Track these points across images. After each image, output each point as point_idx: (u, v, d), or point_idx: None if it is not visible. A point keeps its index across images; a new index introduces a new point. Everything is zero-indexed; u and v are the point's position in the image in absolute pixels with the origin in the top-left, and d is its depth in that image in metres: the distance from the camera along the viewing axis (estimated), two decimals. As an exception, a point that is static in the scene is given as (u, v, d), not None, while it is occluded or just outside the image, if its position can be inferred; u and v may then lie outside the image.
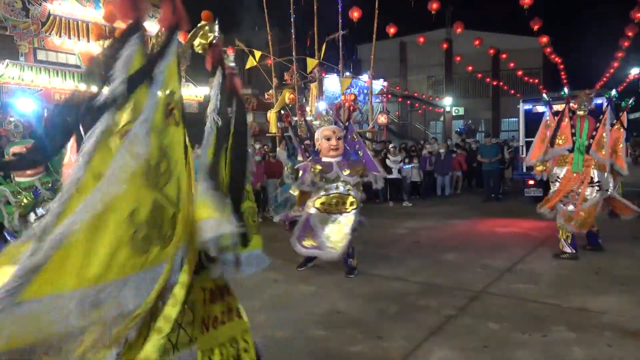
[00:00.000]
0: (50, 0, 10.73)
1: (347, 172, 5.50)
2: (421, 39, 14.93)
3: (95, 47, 11.72)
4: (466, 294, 4.83)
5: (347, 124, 6.07)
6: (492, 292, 4.89)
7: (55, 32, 11.03)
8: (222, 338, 1.75)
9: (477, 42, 14.23)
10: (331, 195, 5.46)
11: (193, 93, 13.75)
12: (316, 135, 5.79)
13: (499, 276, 5.44)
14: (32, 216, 4.09)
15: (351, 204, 5.46)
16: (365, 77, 16.90)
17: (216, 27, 1.83)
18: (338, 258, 5.40)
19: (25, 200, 4.13)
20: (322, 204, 5.45)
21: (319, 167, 5.48)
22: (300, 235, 5.42)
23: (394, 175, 11.73)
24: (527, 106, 10.77)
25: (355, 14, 11.94)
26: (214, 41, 1.83)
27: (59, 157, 3.58)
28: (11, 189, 4.17)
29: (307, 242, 5.36)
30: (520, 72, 20.93)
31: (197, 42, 1.89)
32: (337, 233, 5.29)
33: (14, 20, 10.32)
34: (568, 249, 5.98)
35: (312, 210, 5.45)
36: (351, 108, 6.40)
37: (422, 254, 6.71)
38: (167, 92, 1.41)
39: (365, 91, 16.63)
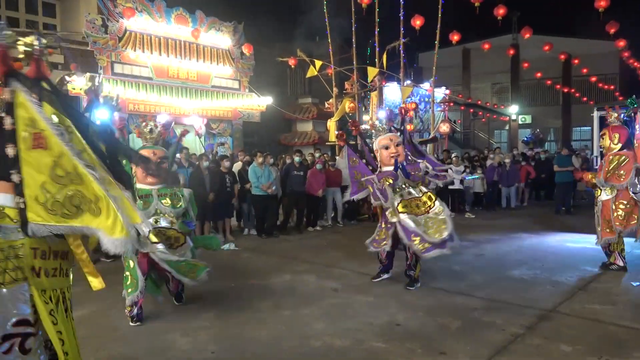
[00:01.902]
0: (127, 17, 11.46)
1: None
2: (486, 46, 14.44)
3: (167, 60, 12.36)
4: (535, 313, 4.57)
5: (402, 127, 5.94)
6: (564, 312, 4.60)
7: (130, 46, 11.75)
8: (52, 285, 2.14)
9: (546, 48, 13.58)
10: (409, 200, 5.41)
11: (255, 103, 14.12)
12: (375, 147, 5.75)
13: (571, 295, 5.11)
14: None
15: (429, 198, 5.42)
16: (426, 85, 16.64)
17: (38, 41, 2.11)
18: (447, 249, 5.25)
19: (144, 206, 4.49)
20: (405, 207, 5.38)
21: (390, 180, 5.42)
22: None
23: (456, 185, 11.41)
24: (603, 113, 10.12)
25: (417, 22, 11.80)
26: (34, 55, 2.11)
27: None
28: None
29: (421, 246, 5.20)
30: (594, 78, 19.75)
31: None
32: (435, 224, 5.26)
33: (95, 37, 11.11)
34: (620, 262, 6.01)
35: (403, 216, 5.33)
36: (403, 111, 6.23)
37: (486, 268, 6.45)
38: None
39: (427, 99, 16.36)
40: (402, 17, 12.43)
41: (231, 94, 13.71)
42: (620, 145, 5.98)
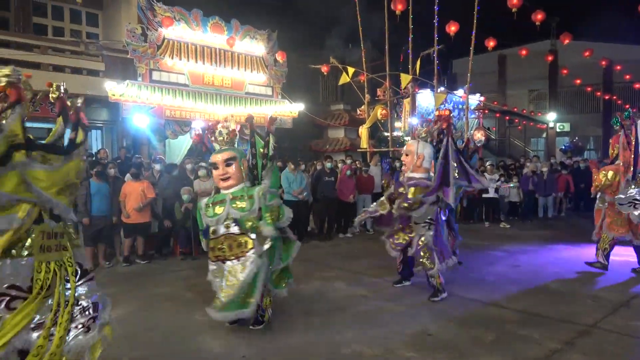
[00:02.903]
0: (165, 26, 11.77)
1: (400, 189, 5.44)
2: (523, 52, 14.11)
3: (202, 68, 12.63)
4: (574, 328, 4.40)
5: (440, 138, 5.76)
6: (606, 328, 4.41)
7: (168, 54, 12.06)
8: (54, 257, 2.69)
9: (587, 53, 13.15)
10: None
11: (288, 109, 14.23)
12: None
13: (613, 310, 4.90)
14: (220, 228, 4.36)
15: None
16: (460, 92, 16.38)
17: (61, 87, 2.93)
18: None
19: (216, 212, 4.42)
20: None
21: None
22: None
23: (491, 194, 11.16)
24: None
25: (452, 28, 11.65)
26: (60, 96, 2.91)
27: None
28: (208, 201, 4.55)
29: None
30: (638, 85, 19.00)
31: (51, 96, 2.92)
32: None
33: (135, 45, 11.46)
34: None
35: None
36: (434, 122, 5.94)
37: (522, 279, 6.26)
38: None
39: (461, 106, 16.10)
40: (436, 24, 12.30)
41: (264, 100, 13.87)
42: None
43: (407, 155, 5.51)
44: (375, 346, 4.05)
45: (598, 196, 6.74)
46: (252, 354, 3.96)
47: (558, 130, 24.38)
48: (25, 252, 2.58)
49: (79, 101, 3.04)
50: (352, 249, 8.59)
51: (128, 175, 7.54)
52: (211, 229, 4.44)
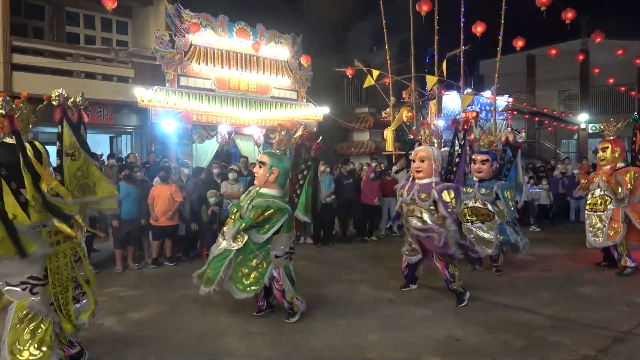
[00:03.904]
0: (192, 32, 11.99)
1: (422, 195, 5.28)
2: (553, 51, 13.78)
3: (228, 73, 12.80)
4: (609, 334, 4.25)
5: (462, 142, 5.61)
6: (642, 335, 4.25)
7: (195, 60, 12.27)
8: (65, 247, 3.37)
9: (620, 52, 12.76)
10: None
11: (313, 112, 14.27)
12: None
13: (649, 316, 4.72)
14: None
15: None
16: (488, 94, 16.12)
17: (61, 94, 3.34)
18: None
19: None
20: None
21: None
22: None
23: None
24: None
25: (478, 29, 11.49)
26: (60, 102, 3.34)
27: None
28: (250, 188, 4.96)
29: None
30: (674, 84, 18.31)
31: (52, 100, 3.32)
32: None
33: (163, 51, 11.70)
34: (630, 263, 6.46)
35: None
36: (460, 124, 5.76)
37: (553, 284, 6.09)
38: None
39: (488, 108, 15.85)
40: (462, 24, 12.15)
41: (289, 104, 13.94)
42: (621, 159, 6.66)
43: (422, 161, 5.32)
44: (401, 350, 4.00)
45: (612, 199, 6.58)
46: (276, 355, 3.96)
47: (590, 131, 23.67)
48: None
49: (79, 99, 3.42)
50: (378, 252, 8.52)
51: (157, 178, 7.69)
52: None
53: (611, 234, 6.51)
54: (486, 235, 6.45)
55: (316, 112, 14.33)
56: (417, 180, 5.36)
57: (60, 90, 3.35)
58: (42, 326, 3.18)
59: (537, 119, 23.46)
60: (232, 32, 12.91)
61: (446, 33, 12.85)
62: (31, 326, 3.15)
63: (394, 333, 4.40)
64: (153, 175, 8.03)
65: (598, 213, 6.70)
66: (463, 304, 5.19)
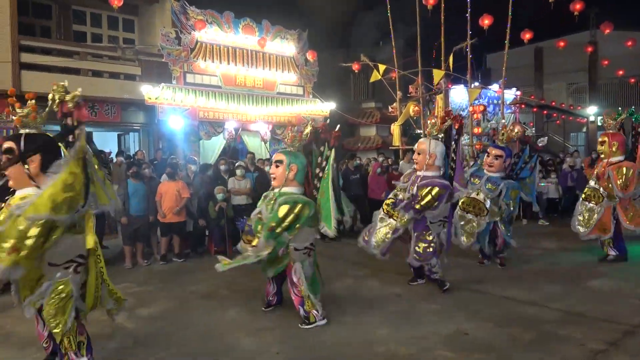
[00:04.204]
0: (198, 29, 11.99)
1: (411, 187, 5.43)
2: (561, 43, 13.62)
3: (234, 69, 12.80)
4: (618, 328, 4.22)
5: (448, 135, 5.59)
6: (652, 328, 4.21)
7: (201, 57, 12.28)
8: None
9: (629, 43, 12.59)
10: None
11: (319, 108, 14.24)
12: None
13: (660, 310, 4.68)
14: None
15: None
16: (495, 87, 15.99)
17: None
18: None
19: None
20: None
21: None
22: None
23: (528, 191, 10.81)
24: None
25: (485, 22, 11.38)
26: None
27: None
28: (266, 192, 4.92)
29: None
30: (685, 75, 18.06)
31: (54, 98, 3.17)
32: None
33: (169, 49, 11.72)
34: (613, 252, 6.79)
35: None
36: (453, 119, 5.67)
37: (561, 278, 6.06)
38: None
39: (496, 101, 15.72)
40: (469, 17, 12.05)
41: (295, 100, 13.93)
42: (619, 152, 6.67)
43: (419, 154, 5.46)
44: (409, 345, 4.00)
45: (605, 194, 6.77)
46: (285, 350, 3.98)
47: (599, 124, 23.44)
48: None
49: (77, 93, 3.22)
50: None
51: (164, 175, 7.73)
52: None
53: (597, 230, 6.83)
54: (471, 230, 6.50)
55: (322, 108, 14.31)
56: (417, 172, 5.53)
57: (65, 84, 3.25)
58: (68, 306, 3.21)
59: (545, 112, 23.25)
60: (238, 28, 12.91)
61: (453, 26, 12.74)
62: (61, 304, 3.18)
63: (402, 328, 4.40)
64: (161, 173, 8.06)
65: (591, 204, 6.92)
66: (447, 287, 5.45)
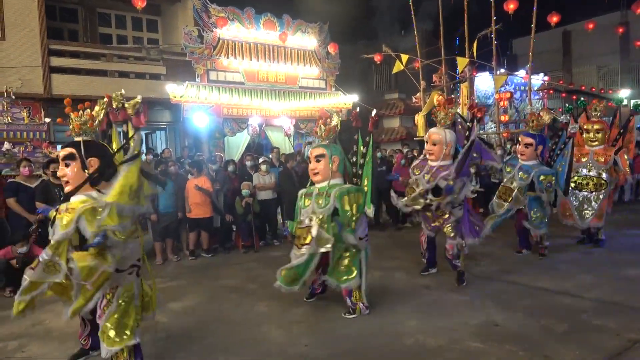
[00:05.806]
0: (220, 26, 12.11)
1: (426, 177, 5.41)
2: (590, 26, 13.19)
3: (257, 65, 12.86)
4: (656, 317, 4.10)
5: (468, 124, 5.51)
6: (693, 317, 4.07)
7: (223, 54, 12.39)
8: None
9: (663, 22, 12.12)
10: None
11: (342, 101, 14.20)
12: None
13: (701, 299, 4.51)
14: None
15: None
16: (522, 73, 15.62)
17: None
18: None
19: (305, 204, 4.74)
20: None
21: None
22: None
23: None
24: None
25: (510, 6, 11.10)
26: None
27: None
28: (303, 191, 4.85)
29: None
30: None
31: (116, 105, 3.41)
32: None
33: (192, 47, 11.88)
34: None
35: None
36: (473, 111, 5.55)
37: (596, 267, 5.91)
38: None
39: (523, 88, 15.37)
40: (493, 2, 11.78)
41: (318, 93, 13.92)
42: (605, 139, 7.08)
43: (434, 144, 5.38)
44: (439, 337, 3.97)
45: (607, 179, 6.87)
46: (314, 343, 4.01)
47: (633, 107, 22.65)
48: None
49: (138, 100, 3.45)
50: (412, 239, 8.43)
51: (190, 172, 7.86)
52: (300, 217, 4.68)
53: (597, 218, 6.84)
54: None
55: (345, 100, 14.25)
56: (429, 162, 5.48)
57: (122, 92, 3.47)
58: (131, 311, 3.28)
59: (574, 97, 22.55)
60: (259, 24, 12.96)
61: (477, 13, 12.49)
62: (127, 309, 3.24)
63: (431, 319, 4.38)
64: (187, 170, 8.20)
65: (584, 192, 6.94)
66: (464, 283, 5.35)
